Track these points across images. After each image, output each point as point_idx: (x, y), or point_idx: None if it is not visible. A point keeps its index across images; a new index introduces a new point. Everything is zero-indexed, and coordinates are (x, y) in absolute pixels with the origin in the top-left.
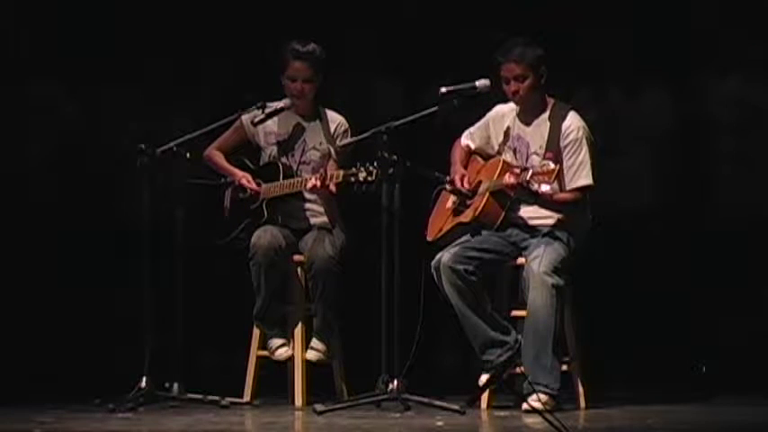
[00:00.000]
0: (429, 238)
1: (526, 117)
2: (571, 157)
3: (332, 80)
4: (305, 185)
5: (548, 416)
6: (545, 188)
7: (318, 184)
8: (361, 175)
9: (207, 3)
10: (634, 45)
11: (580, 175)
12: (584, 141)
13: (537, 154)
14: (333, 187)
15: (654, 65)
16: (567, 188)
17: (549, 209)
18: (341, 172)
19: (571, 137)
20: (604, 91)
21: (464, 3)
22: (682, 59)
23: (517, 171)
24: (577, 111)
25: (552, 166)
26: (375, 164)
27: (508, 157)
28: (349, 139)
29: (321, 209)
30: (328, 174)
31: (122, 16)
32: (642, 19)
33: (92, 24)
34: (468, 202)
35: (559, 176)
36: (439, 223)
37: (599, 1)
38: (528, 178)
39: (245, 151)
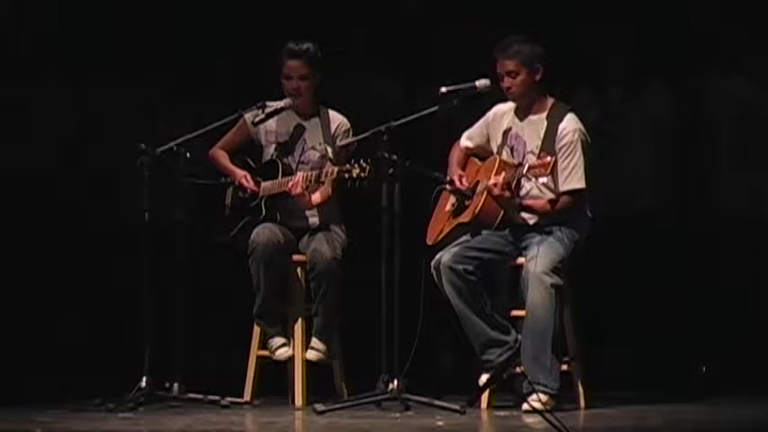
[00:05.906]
0: (429, 242)
1: (523, 115)
2: (565, 159)
3: (332, 80)
4: (287, 186)
5: (548, 416)
6: (542, 180)
7: (299, 189)
8: (355, 172)
9: (207, 3)
10: (634, 45)
11: (573, 178)
12: (579, 145)
13: (533, 153)
14: (327, 190)
15: (654, 65)
16: (560, 190)
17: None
18: (335, 169)
19: (566, 139)
20: (604, 91)
21: (464, 3)
22: (682, 59)
23: (514, 163)
24: (576, 112)
25: (549, 158)
26: (369, 160)
27: (505, 155)
28: (348, 139)
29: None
30: (323, 172)
31: (123, 16)
32: (642, 19)
33: (92, 24)
34: (467, 203)
35: (554, 172)
36: (439, 226)
37: (599, 1)
38: (524, 172)
39: (248, 150)
